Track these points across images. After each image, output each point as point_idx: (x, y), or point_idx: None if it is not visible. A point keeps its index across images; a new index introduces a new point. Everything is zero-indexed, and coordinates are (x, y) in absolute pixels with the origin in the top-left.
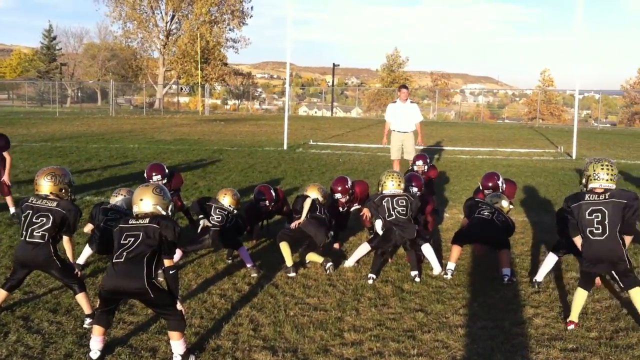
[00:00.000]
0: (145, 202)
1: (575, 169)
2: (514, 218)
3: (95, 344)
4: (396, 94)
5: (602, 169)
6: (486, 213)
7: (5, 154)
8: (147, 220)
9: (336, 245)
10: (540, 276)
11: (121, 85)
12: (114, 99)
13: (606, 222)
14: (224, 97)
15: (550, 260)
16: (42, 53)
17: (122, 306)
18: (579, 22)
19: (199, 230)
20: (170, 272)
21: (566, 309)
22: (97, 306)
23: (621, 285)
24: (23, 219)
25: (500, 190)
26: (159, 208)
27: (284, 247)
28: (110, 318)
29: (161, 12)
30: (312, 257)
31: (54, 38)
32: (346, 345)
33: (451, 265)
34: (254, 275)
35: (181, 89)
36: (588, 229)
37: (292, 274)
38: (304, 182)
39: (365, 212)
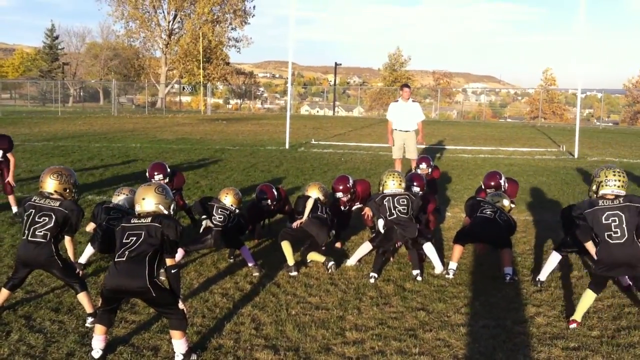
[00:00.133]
0: (148, 201)
1: (576, 168)
2: (515, 217)
3: (97, 343)
4: (398, 93)
5: (614, 175)
6: (488, 212)
7: (9, 155)
8: (149, 219)
9: (338, 245)
10: (543, 275)
11: (123, 84)
12: (116, 98)
13: (624, 226)
14: (226, 96)
15: (553, 259)
16: (44, 52)
17: (124, 305)
18: (581, 21)
19: (201, 230)
20: (172, 271)
21: (568, 308)
22: (99, 305)
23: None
24: (25, 218)
25: (503, 189)
26: (161, 207)
27: (286, 246)
28: (112, 317)
29: (163, 12)
30: (314, 256)
31: (57, 37)
32: (348, 344)
33: (453, 265)
34: (256, 274)
35: (183, 88)
36: (606, 233)
37: (294, 273)
38: (305, 181)
39: (367, 211)
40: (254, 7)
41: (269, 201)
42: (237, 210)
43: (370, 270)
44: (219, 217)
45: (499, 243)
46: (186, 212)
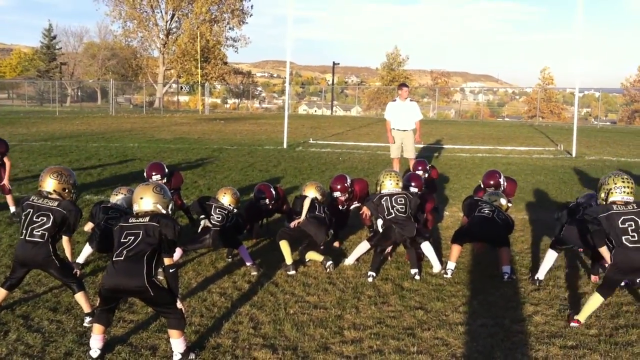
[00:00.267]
0: (146, 201)
1: (574, 167)
2: (513, 216)
3: (96, 342)
4: (396, 93)
5: (623, 182)
6: (486, 211)
7: (5, 159)
8: (147, 218)
9: (336, 244)
10: (541, 274)
11: (121, 84)
12: (114, 98)
13: None
14: (223, 96)
15: (550, 257)
16: (42, 52)
17: (122, 305)
18: (579, 20)
19: (199, 230)
20: (170, 270)
21: (566, 307)
22: (97, 305)
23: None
24: (23, 217)
25: (502, 188)
26: (159, 207)
27: (284, 245)
28: (110, 317)
29: (161, 11)
30: (312, 255)
31: (54, 37)
32: (346, 343)
33: (451, 265)
34: (254, 273)
35: (181, 88)
36: (624, 237)
37: (292, 272)
38: (303, 181)
39: (365, 210)
40: (251, 6)
41: (267, 200)
42: (235, 210)
43: (369, 269)
44: (217, 217)
45: (497, 242)
46: (184, 211)
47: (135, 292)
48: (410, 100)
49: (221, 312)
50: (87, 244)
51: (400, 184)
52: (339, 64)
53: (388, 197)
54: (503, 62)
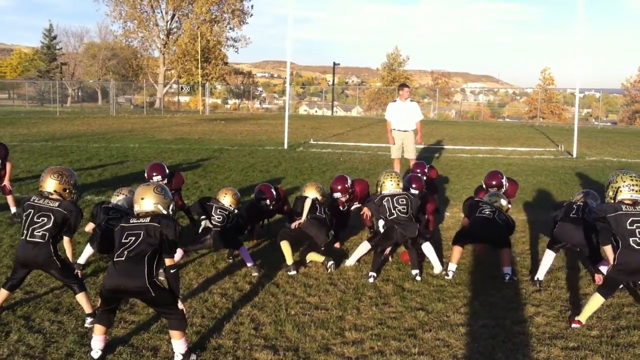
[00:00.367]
0: (147, 201)
1: (575, 168)
2: (514, 217)
3: (97, 343)
4: (397, 93)
5: (631, 180)
6: (487, 212)
7: (7, 162)
8: (148, 219)
9: (337, 245)
10: (541, 274)
11: (122, 84)
12: (114, 99)
13: None
14: (224, 96)
15: (548, 257)
16: (42, 52)
17: (123, 305)
18: (579, 20)
19: (200, 231)
20: (171, 271)
21: (567, 308)
22: (98, 305)
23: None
24: (24, 218)
25: (504, 189)
26: (160, 207)
27: (285, 246)
28: (112, 317)
29: (161, 11)
30: (313, 256)
31: (55, 37)
32: (347, 344)
33: (452, 267)
34: (255, 274)
35: (181, 88)
36: (631, 239)
37: (293, 272)
38: (304, 181)
39: (366, 211)
40: (252, 6)
41: (268, 201)
42: (236, 211)
43: (369, 270)
44: (217, 218)
45: (498, 243)
46: (185, 212)
47: (136, 292)
48: (411, 101)
49: (222, 313)
50: (88, 244)
51: (401, 185)
52: (339, 64)
53: (389, 198)
54: (503, 63)
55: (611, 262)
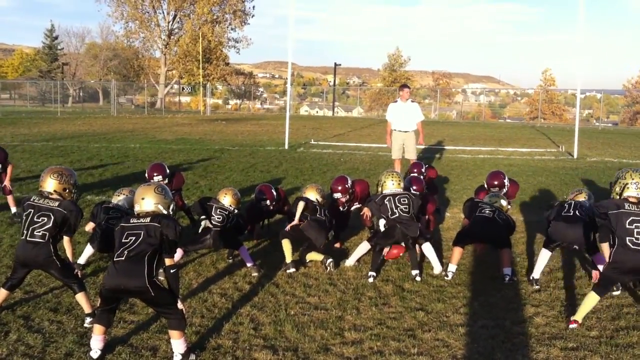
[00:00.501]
0: (147, 201)
1: (576, 168)
2: (514, 217)
3: (96, 343)
4: (397, 94)
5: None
6: (487, 211)
7: (8, 167)
8: (148, 219)
9: (337, 245)
10: (536, 273)
11: (123, 84)
12: (115, 99)
13: None
14: (225, 96)
15: (543, 256)
16: (44, 53)
17: (122, 305)
18: (580, 21)
19: (200, 231)
20: (171, 271)
21: (567, 308)
22: (98, 305)
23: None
24: (24, 218)
25: (505, 189)
26: (160, 207)
27: (286, 244)
28: (111, 317)
29: (163, 12)
30: (313, 256)
31: (56, 38)
32: (347, 344)
33: (452, 267)
34: (255, 274)
35: (183, 88)
36: (628, 238)
37: (291, 270)
38: (305, 182)
39: (366, 211)
40: (253, 7)
41: (268, 202)
42: (236, 211)
43: (369, 270)
44: (217, 218)
45: (498, 242)
46: (185, 212)
47: (136, 292)
48: (412, 102)
49: (222, 313)
50: (89, 244)
51: (402, 185)
52: (340, 65)
53: (391, 197)
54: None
55: (607, 259)
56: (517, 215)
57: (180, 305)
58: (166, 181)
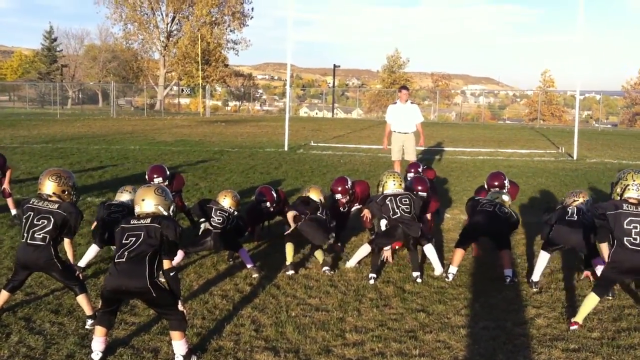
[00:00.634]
0: (147, 203)
1: (575, 170)
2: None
3: (97, 345)
4: (397, 95)
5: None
6: (488, 206)
7: (7, 172)
8: (148, 220)
9: (337, 247)
10: (536, 276)
11: (122, 86)
12: (114, 101)
13: None
14: (224, 98)
15: (542, 258)
16: (42, 54)
17: (123, 307)
18: (580, 22)
19: (200, 233)
20: (170, 274)
21: (568, 310)
22: (99, 307)
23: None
24: (24, 220)
25: (506, 190)
26: (161, 208)
27: (288, 247)
28: (112, 319)
29: (162, 14)
30: (318, 254)
31: (55, 40)
32: (348, 345)
33: (453, 269)
34: (255, 275)
35: (182, 90)
36: (626, 239)
37: (290, 272)
38: (304, 183)
39: (366, 213)
40: (252, 9)
41: (268, 203)
42: (236, 213)
43: (369, 272)
44: (217, 219)
45: (499, 237)
46: (185, 214)
47: (137, 293)
48: (411, 103)
49: (223, 315)
50: (90, 246)
51: (403, 185)
52: (339, 66)
53: (392, 198)
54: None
55: (606, 259)
56: None
57: (180, 307)
58: (166, 183)
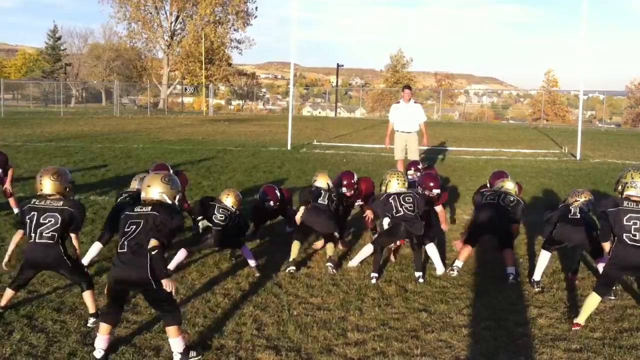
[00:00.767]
0: (153, 189)
1: (579, 170)
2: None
3: (101, 342)
4: (400, 95)
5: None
6: (491, 198)
7: (9, 171)
8: (149, 207)
9: (340, 245)
10: (537, 275)
11: (125, 85)
12: (118, 99)
13: None
14: (228, 97)
15: (543, 257)
16: (46, 53)
17: (125, 305)
18: (583, 22)
19: (201, 231)
20: (153, 252)
21: (570, 310)
22: (105, 304)
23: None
24: (28, 221)
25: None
26: (165, 197)
27: (294, 245)
28: (117, 316)
29: (165, 13)
30: (329, 248)
31: (59, 38)
32: (350, 344)
33: (458, 263)
34: (258, 274)
35: (185, 89)
36: (625, 235)
37: (291, 268)
38: (307, 182)
39: (369, 213)
40: (256, 8)
41: (272, 202)
42: (238, 212)
43: (371, 271)
44: (219, 217)
45: (502, 236)
46: (189, 212)
47: (139, 284)
48: (415, 102)
49: (225, 313)
50: (93, 245)
51: (406, 184)
52: (343, 65)
53: (396, 196)
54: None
55: (607, 255)
56: None
57: (169, 283)
58: None
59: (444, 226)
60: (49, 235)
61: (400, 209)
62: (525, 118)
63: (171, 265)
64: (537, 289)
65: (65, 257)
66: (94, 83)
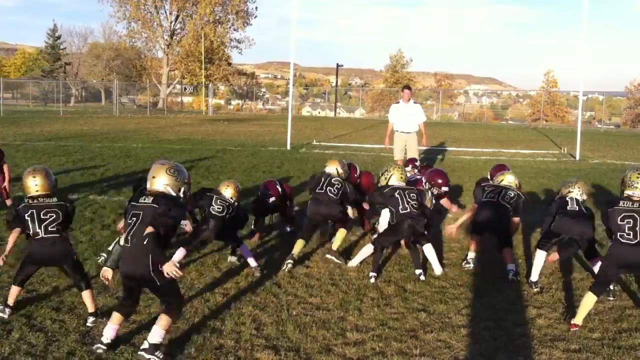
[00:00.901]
0: (157, 181)
1: (578, 170)
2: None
3: (109, 331)
4: (399, 95)
5: (638, 177)
6: (490, 196)
7: (5, 166)
8: (151, 199)
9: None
10: (534, 276)
11: (125, 84)
12: (117, 99)
13: (637, 229)
14: (227, 97)
15: (539, 257)
16: (46, 52)
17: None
18: (584, 22)
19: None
20: (146, 240)
21: (569, 310)
22: (120, 293)
23: None
24: (29, 219)
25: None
26: (169, 189)
27: (298, 243)
28: (131, 310)
29: (165, 12)
30: (339, 235)
31: (59, 38)
32: (349, 344)
33: (471, 254)
34: (257, 274)
35: (185, 88)
36: (619, 233)
37: (289, 262)
38: (307, 183)
39: (365, 205)
40: (256, 8)
41: (273, 198)
42: (236, 203)
43: (370, 271)
44: (217, 208)
45: (501, 235)
46: (189, 213)
47: (143, 280)
48: (414, 102)
49: (223, 313)
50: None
51: (405, 179)
52: (342, 65)
53: (401, 191)
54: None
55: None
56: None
57: (169, 269)
58: None
59: (454, 209)
60: (55, 229)
61: (407, 205)
62: (524, 118)
63: None
64: (535, 290)
65: (71, 253)
66: (93, 82)
